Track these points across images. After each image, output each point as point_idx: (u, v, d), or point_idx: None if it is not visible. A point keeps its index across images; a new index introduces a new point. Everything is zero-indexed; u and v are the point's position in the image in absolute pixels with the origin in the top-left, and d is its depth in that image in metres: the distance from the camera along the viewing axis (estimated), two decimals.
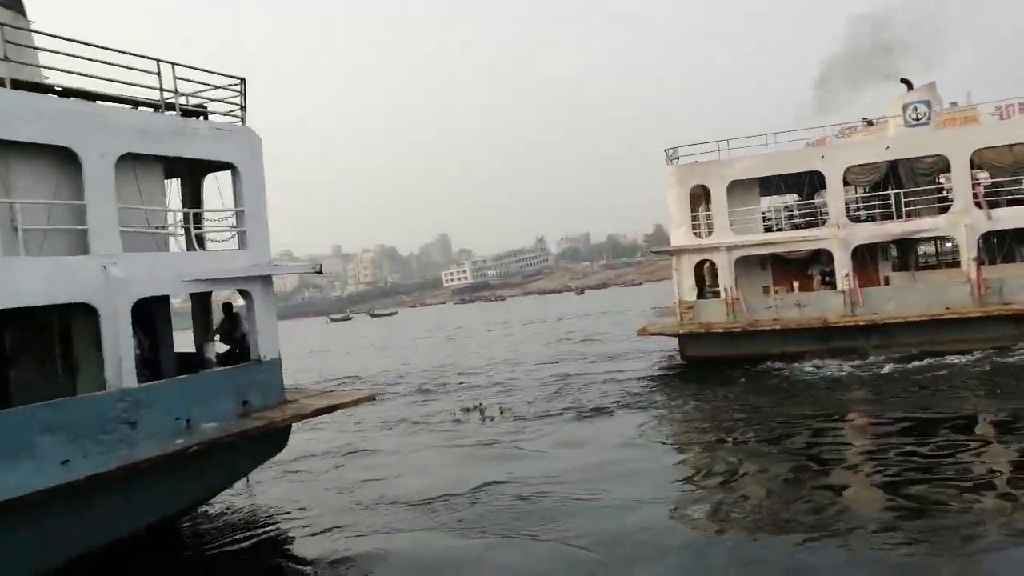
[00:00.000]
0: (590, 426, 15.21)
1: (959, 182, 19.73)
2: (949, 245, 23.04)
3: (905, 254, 21.97)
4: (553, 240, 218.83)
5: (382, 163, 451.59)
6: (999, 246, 20.69)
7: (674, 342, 23.02)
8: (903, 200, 20.33)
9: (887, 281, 21.06)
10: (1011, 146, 19.41)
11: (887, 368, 18.04)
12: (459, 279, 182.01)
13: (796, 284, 21.49)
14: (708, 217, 22.06)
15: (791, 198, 24.07)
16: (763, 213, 22.99)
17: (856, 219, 20.90)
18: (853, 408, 14.83)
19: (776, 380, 18.26)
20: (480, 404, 18.23)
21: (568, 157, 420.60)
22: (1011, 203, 19.53)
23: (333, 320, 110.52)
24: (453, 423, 16.59)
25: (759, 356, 20.34)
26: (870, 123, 22.34)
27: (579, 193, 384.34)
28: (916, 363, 17.99)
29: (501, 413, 17.05)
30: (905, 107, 20.63)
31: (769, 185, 22.44)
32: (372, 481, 11.95)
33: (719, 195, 21.61)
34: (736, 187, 21.60)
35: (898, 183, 20.83)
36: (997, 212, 19.44)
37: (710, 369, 20.30)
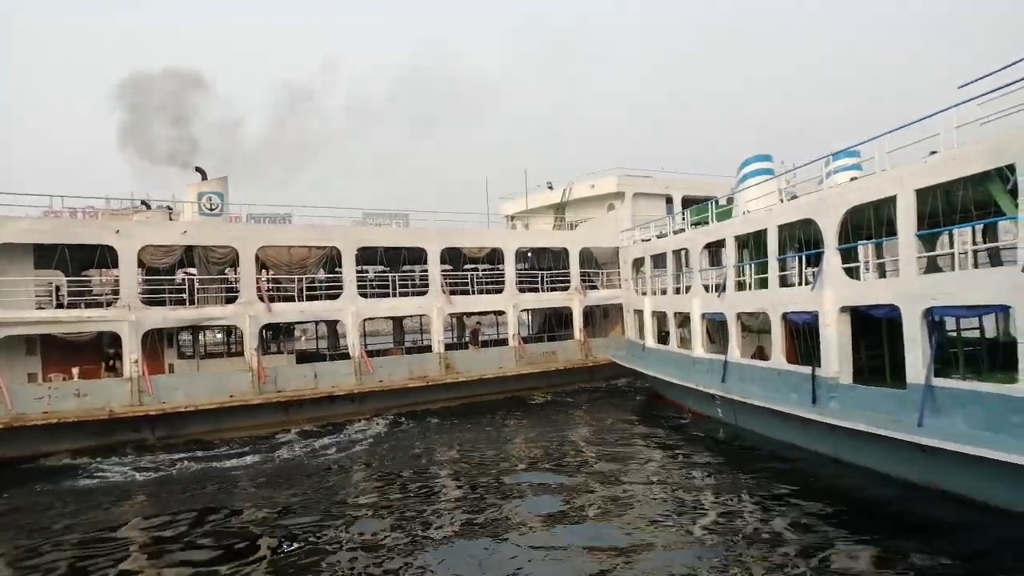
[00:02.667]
0: None
1: (246, 275, 23.03)
2: (220, 336, 26.42)
3: (190, 341, 24.07)
4: None
5: None
6: (274, 337, 24.97)
7: None
8: (196, 287, 22.49)
9: (171, 369, 22.60)
10: (289, 248, 23.91)
11: (172, 463, 18.56)
12: None
13: (76, 371, 20.95)
14: None
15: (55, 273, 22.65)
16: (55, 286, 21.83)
17: (149, 302, 21.88)
18: (129, 522, 13.95)
19: (42, 491, 16.36)
20: None
21: None
22: (285, 299, 23.85)
23: None
24: None
25: (26, 457, 18.90)
26: (148, 206, 23.91)
27: None
28: (202, 456, 19.17)
29: None
30: (200, 195, 23.12)
31: (50, 256, 21.46)
32: None
33: None
34: (7, 251, 20.01)
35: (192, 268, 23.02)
36: (276, 306, 23.44)
37: None
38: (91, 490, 16.48)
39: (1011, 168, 10.45)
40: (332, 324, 31.19)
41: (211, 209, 23.16)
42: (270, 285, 23.84)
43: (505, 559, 10.76)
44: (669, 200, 33.04)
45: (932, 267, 14.95)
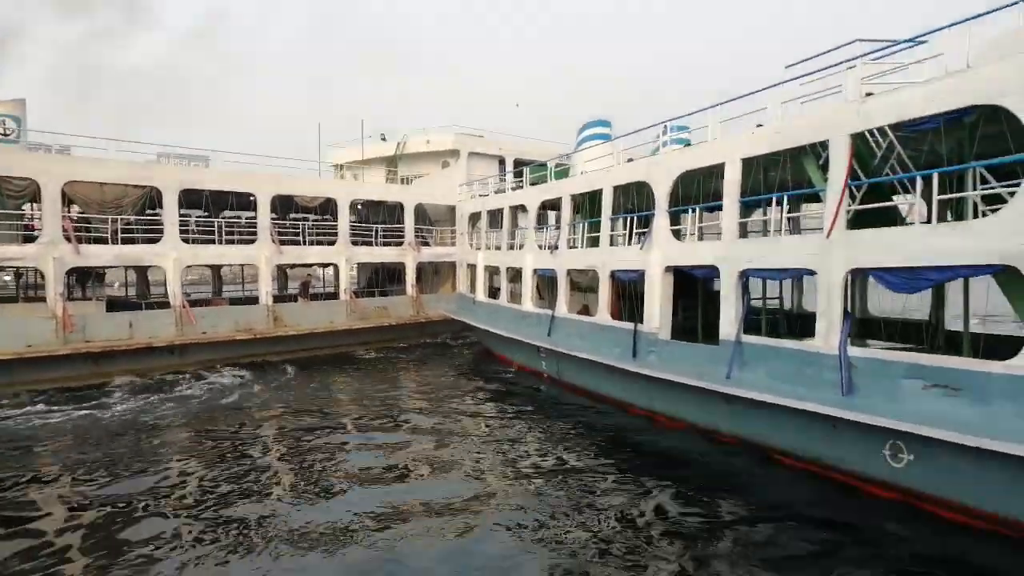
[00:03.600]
0: None
1: (49, 212, 20.53)
2: (8, 279, 23.41)
3: None
4: None
5: None
6: (79, 282, 22.52)
7: None
8: None
9: None
10: (102, 184, 21.57)
11: None
12: None
13: None
14: None
15: None
16: None
17: None
18: None
19: None
20: None
21: None
22: (98, 241, 21.58)
23: None
24: None
25: None
26: None
27: None
28: None
29: None
30: None
31: None
32: None
33: None
34: None
35: None
36: (86, 248, 21.13)
37: None
38: None
39: (824, 144, 11.74)
40: (143, 271, 28.77)
41: (5, 135, 20.31)
42: (78, 225, 21.37)
43: (333, 521, 10.34)
44: (502, 162, 33.56)
45: (743, 235, 16.44)
